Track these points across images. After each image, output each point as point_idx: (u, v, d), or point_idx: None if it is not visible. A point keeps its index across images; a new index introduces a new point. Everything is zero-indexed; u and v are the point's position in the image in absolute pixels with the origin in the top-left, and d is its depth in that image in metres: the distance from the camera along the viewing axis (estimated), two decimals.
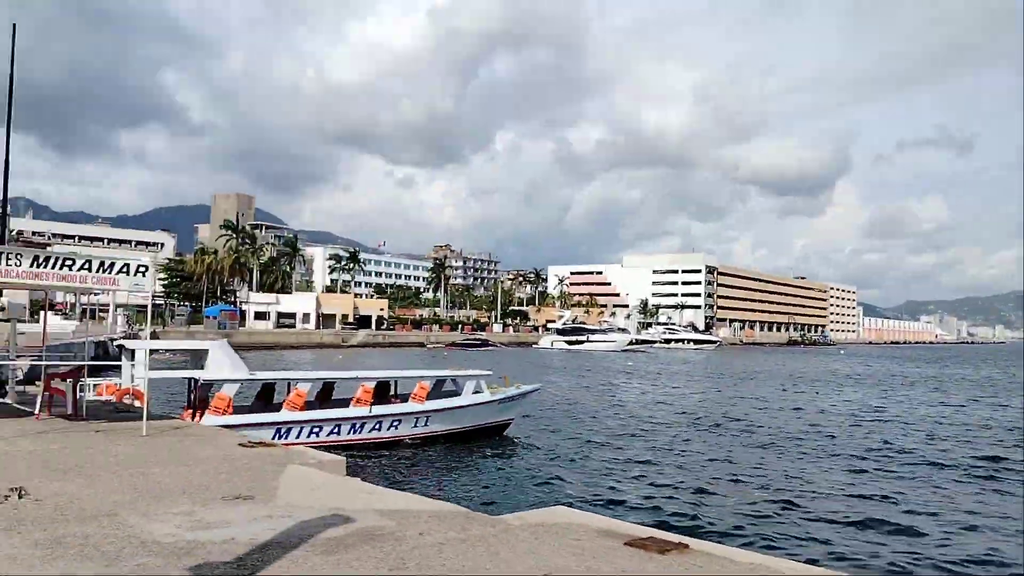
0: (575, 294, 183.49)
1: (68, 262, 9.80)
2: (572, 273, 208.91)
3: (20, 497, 6.50)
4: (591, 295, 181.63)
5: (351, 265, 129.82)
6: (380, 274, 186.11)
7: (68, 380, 11.71)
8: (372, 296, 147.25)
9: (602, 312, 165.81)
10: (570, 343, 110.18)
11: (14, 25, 42.56)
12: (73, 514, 6.13)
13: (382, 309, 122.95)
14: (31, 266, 9.48)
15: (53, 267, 9.67)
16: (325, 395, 20.69)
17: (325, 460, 8.92)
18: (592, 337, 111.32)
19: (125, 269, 10.17)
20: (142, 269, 10.30)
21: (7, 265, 9.29)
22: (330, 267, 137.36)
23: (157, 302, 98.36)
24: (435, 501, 7.22)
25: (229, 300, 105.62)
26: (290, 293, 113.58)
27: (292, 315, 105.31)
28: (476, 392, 21.36)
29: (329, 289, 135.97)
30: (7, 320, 18.09)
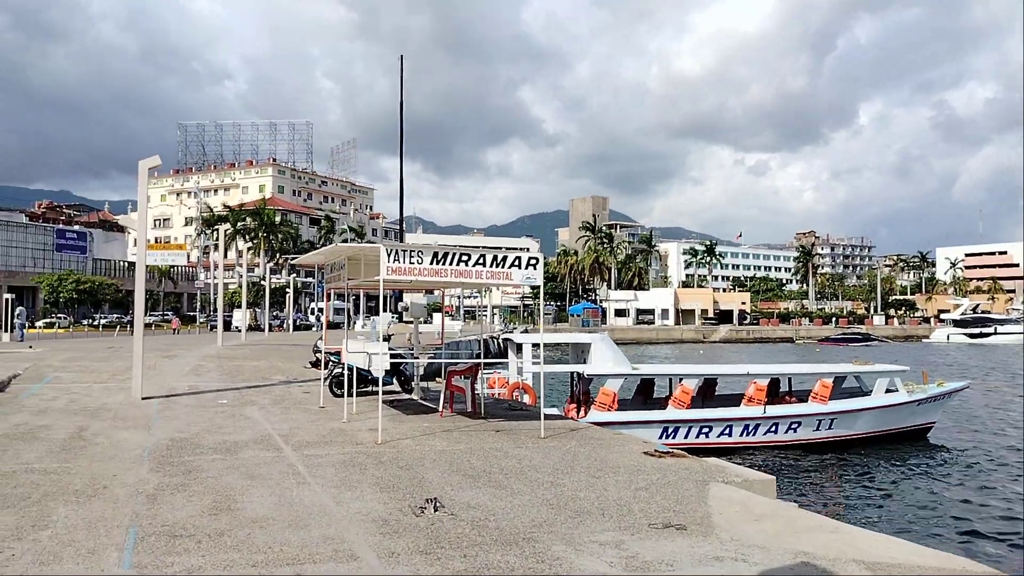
0: (972, 279, 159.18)
1: (464, 257, 9.53)
2: (967, 255, 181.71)
3: (436, 510, 5.91)
4: (993, 279, 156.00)
5: (707, 258, 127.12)
6: (738, 267, 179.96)
7: (467, 377, 11.68)
8: (731, 290, 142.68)
9: (1010, 299, 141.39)
10: (972, 336, 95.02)
11: (401, 57, 47.32)
12: (491, 535, 5.34)
13: (743, 303, 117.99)
14: (432, 263, 9.36)
15: (451, 263, 9.46)
16: (707, 392, 19.20)
17: (752, 479, 7.36)
18: (1000, 328, 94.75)
19: (517, 263, 9.68)
20: (533, 262, 9.74)
21: (410, 263, 9.24)
22: (685, 262, 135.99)
23: (526, 302, 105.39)
24: (938, 553, 5.25)
25: (590, 298, 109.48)
26: (647, 289, 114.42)
27: (650, 311, 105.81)
28: (890, 391, 18.24)
29: (685, 284, 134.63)
30: (409, 321, 19.42)
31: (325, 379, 13.46)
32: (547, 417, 10.25)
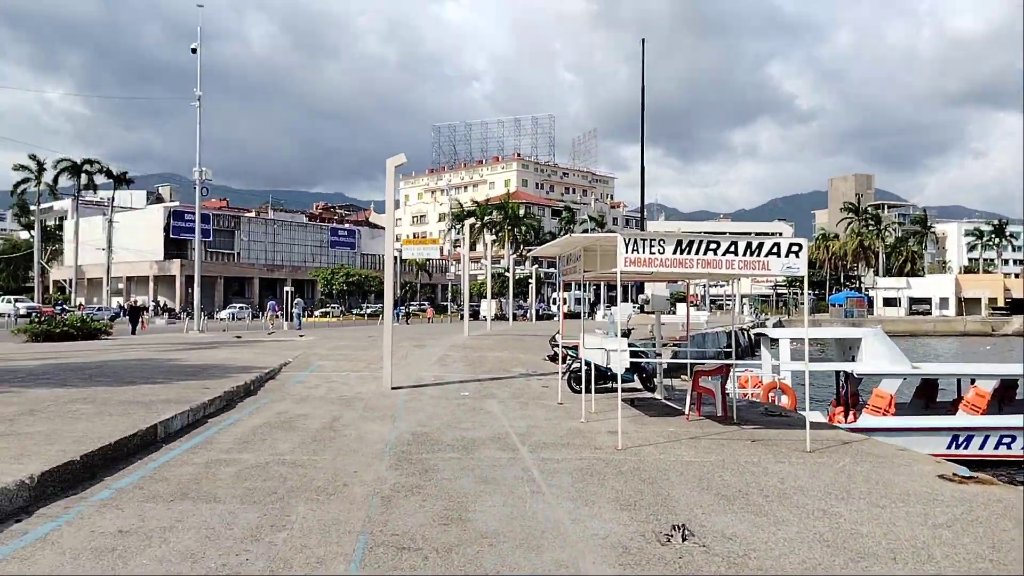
0: None
1: (712, 246, 8.53)
2: None
3: (684, 539, 5.09)
4: None
5: (996, 240, 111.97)
6: None
7: (717, 377, 10.63)
8: None
9: None
10: None
11: (643, 41, 46.24)
12: None
13: None
14: (675, 252, 8.48)
15: (696, 252, 8.51)
16: (1004, 396, 16.35)
17: None
18: None
19: (776, 250, 8.49)
20: (795, 249, 8.50)
21: (651, 253, 8.43)
22: (968, 244, 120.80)
23: (779, 291, 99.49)
24: None
25: (853, 286, 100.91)
26: (922, 276, 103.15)
27: (926, 300, 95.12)
28: None
29: (968, 269, 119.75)
30: (651, 312, 18.54)
31: (563, 374, 13.04)
32: (812, 425, 8.96)
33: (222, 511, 5.73)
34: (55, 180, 66.99)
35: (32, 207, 74.08)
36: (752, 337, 38.97)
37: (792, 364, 16.43)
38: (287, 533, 5.25)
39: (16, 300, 60.18)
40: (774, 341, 17.08)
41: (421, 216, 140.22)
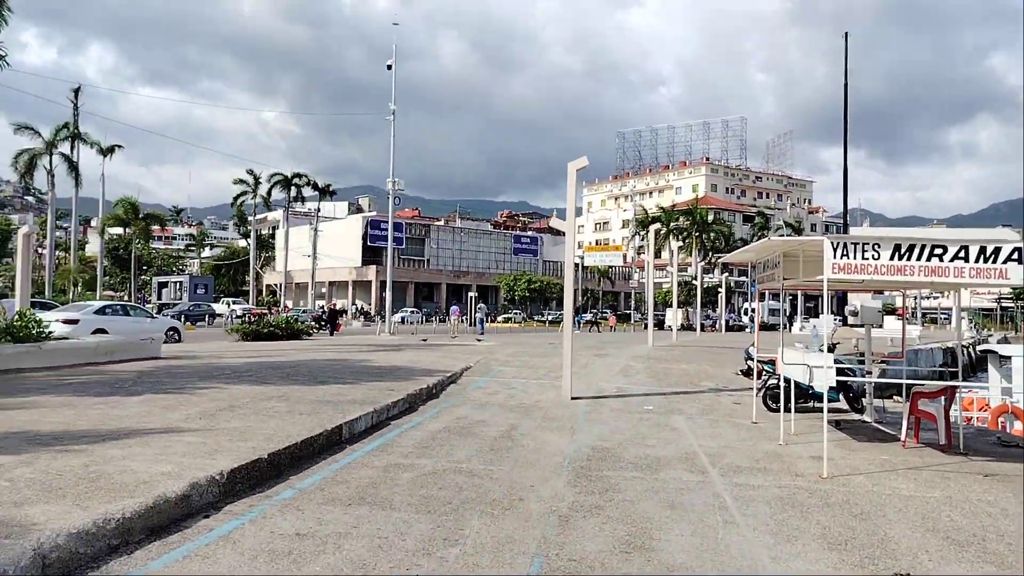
0: None
1: (938, 251, 7.43)
2: None
3: None
4: None
5: None
6: None
7: (939, 400, 9.33)
8: None
9: None
10: None
11: (846, 35, 43.22)
12: None
13: None
14: (892, 258, 7.46)
15: (919, 258, 7.45)
16: None
17: None
18: None
19: (1017, 256, 7.25)
20: None
21: (863, 259, 7.47)
22: None
23: (1004, 304, 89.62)
24: None
25: None
26: None
27: None
28: None
29: None
30: (856, 325, 16.95)
31: (758, 390, 12.08)
32: None
33: (396, 520, 5.58)
34: (269, 193, 73.08)
35: (249, 217, 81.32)
36: (973, 355, 35.10)
37: None
38: (459, 549, 4.98)
39: (234, 302, 66.30)
40: (1005, 359, 15.03)
41: (604, 223, 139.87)
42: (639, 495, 6.54)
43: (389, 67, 38.15)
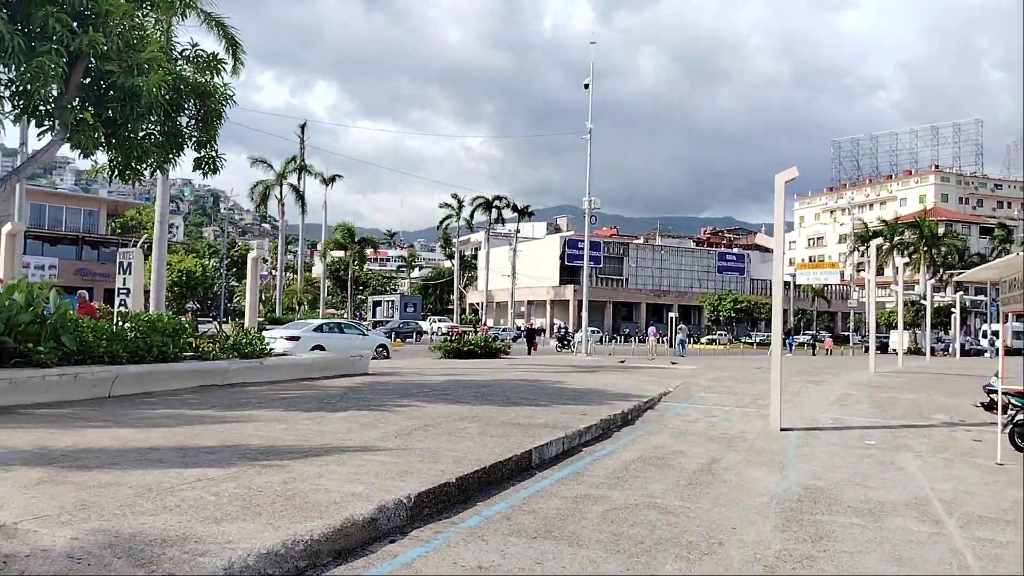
0: None
1: None
2: None
3: None
4: None
5: None
6: None
7: None
8: None
9: None
10: None
11: None
12: None
13: None
14: None
15: None
16: None
17: None
18: None
19: None
20: None
21: None
22: None
23: None
24: None
25: None
26: None
27: None
28: None
29: None
30: None
31: (1004, 426, 10.46)
32: None
33: (583, 558, 5.20)
34: (471, 215, 76.20)
35: (453, 239, 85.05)
36: None
37: None
38: None
39: (439, 320, 69.34)
40: None
41: (818, 238, 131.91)
42: (859, 546, 5.71)
43: (586, 86, 38.28)
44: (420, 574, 4.79)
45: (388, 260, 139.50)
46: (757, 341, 65.49)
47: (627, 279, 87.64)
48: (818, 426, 12.40)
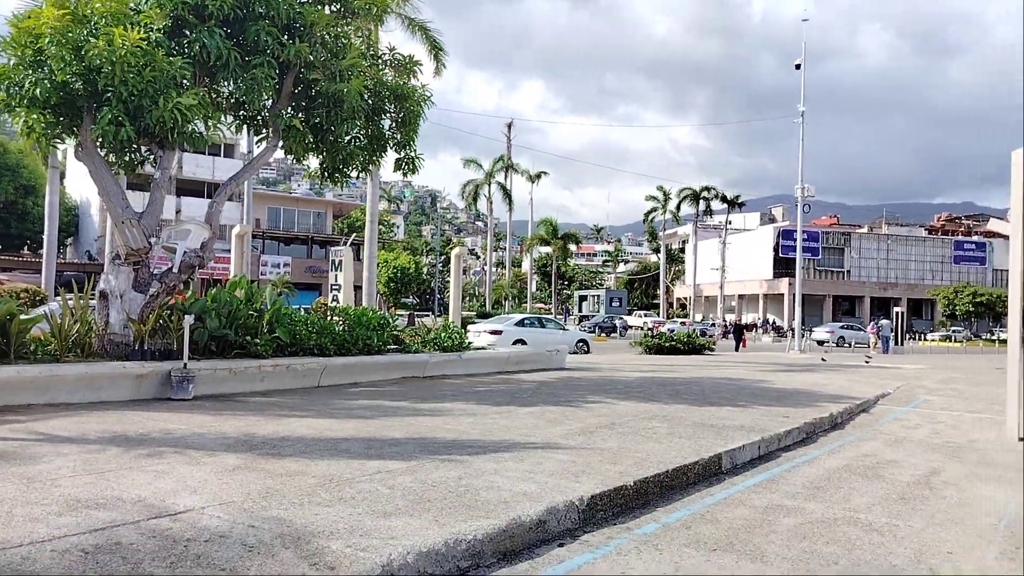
0: None
1: None
2: None
3: None
4: None
5: None
6: None
7: None
8: None
9: None
10: None
11: None
12: None
13: None
14: None
15: None
16: None
17: None
18: None
19: None
20: None
21: None
22: None
23: None
24: None
25: None
26: None
27: None
28: None
29: None
30: None
31: None
32: None
33: None
34: (678, 207, 74.46)
35: (659, 232, 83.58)
36: None
37: None
38: None
39: (645, 315, 68.51)
40: None
41: None
42: None
43: (798, 66, 35.99)
44: None
45: (594, 255, 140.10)
46: (1000, 338, 58.39)
47: (849, 271, 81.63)
48: None
